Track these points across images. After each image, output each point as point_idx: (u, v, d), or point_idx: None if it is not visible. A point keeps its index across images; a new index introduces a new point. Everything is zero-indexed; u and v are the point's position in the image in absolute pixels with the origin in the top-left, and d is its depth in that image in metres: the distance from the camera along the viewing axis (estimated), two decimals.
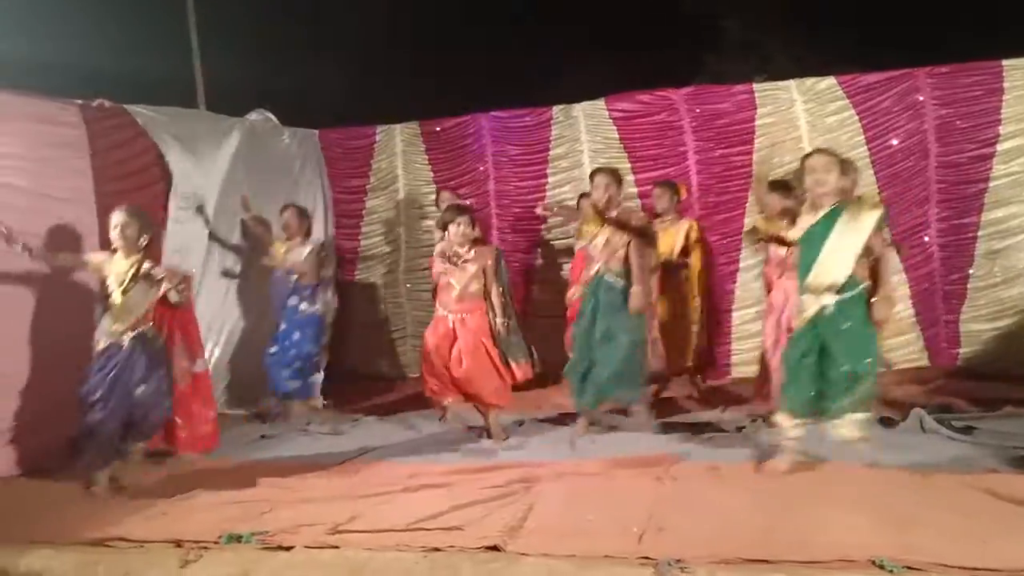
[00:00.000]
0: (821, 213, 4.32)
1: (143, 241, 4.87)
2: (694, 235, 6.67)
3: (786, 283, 5.25)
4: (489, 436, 5.54)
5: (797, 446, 4.40)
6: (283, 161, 7.88)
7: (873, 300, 4.27)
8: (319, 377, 6.61)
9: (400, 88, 13.59)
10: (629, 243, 5.42)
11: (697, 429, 5.51)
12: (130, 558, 3.68)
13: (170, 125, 6.40)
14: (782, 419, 4.43)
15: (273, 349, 6.44)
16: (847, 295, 4.27)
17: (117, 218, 4.83)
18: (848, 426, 4.30)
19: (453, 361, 5.41)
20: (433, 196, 8.11)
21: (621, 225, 5.42)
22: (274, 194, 7.20)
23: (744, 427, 5.41)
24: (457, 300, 5.47)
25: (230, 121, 7.23)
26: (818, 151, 4.49)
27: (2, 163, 5.22)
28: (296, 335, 6.42)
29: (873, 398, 4.42)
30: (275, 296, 6.61)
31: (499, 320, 5.55)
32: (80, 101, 5.80)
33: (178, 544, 3.76)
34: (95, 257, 4.97)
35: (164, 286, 4.80)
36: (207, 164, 6.73)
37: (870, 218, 4.25)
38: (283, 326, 6.46)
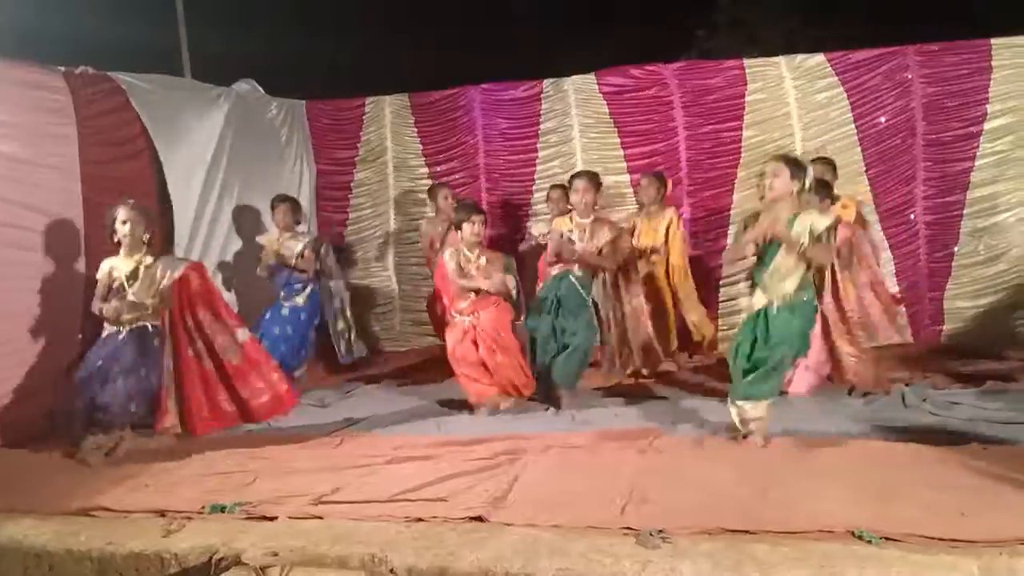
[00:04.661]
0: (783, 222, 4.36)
1: (147, 237, 5.01)
2: (673, 227, 6.73)
3: None
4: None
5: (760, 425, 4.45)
6: (270, 132, 7.80)
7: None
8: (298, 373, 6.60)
9: (389, 59, 13.48)
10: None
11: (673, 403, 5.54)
12: (113, 527, 3.66)
13: (156, 94, 6.33)
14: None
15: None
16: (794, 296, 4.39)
17: (126, 215, 4.91)
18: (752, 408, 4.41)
19: (485, 357, 5.45)
20: (422, 169, 8.10)
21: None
22: (260, 165, 7.13)
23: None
24: (472, 304, 5.51)
25: (217, 90, 7.14)
26: (773, 157, 4.54)
27: None
28: (276, 330, 6.44)
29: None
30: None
31: (520, 321, 5.62)
32: (63, 68, 5.72)
33: (161, 514, 3.76)
34: (106, 267, 5.04)
35: (164, 282, 4.92)
36: (194, 135, 6.65)
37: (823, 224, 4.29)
38: (268, 316, 6.50)
